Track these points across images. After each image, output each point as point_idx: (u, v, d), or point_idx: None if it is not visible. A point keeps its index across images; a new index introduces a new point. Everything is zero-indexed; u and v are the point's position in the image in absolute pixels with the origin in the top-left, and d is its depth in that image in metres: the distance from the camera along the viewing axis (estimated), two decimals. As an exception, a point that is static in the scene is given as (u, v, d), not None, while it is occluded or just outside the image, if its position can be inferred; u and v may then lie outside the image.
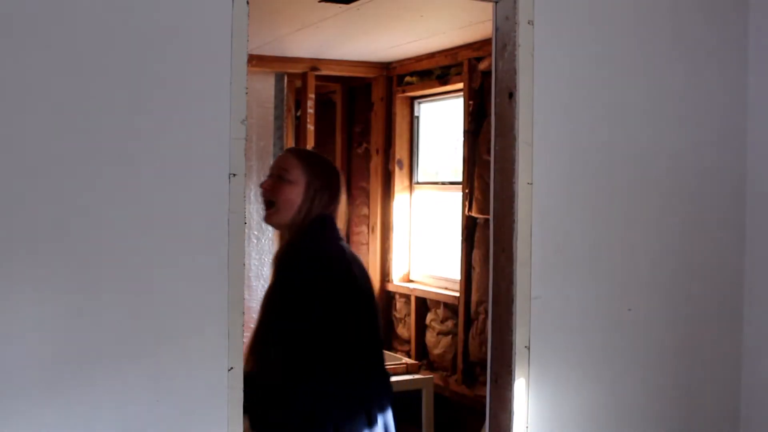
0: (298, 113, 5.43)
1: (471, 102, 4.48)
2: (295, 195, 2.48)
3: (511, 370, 2.60)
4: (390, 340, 5.35)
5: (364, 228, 5.53)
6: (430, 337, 5.00)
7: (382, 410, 2.52)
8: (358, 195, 5.63)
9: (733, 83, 2.99)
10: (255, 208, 4.99)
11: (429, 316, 5.03)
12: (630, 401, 2.84)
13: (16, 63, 2.00)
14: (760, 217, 2.98)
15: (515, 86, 2.58)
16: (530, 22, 2.59)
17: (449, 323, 4.83)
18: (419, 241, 5.27)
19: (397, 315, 5.30)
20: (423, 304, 5.06)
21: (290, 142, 5.25)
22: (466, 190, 4.51)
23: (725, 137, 2.99)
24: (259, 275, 4.99)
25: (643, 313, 2.84)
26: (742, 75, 3.00)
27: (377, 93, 5.29)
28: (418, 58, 4.91)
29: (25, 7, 2.00)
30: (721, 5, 2.97)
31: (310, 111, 5.12)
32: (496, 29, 2.68)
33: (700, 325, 2.96)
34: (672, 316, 2.90)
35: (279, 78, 5.09)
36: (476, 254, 4.51)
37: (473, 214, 4.48)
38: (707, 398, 2.99)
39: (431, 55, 4.79)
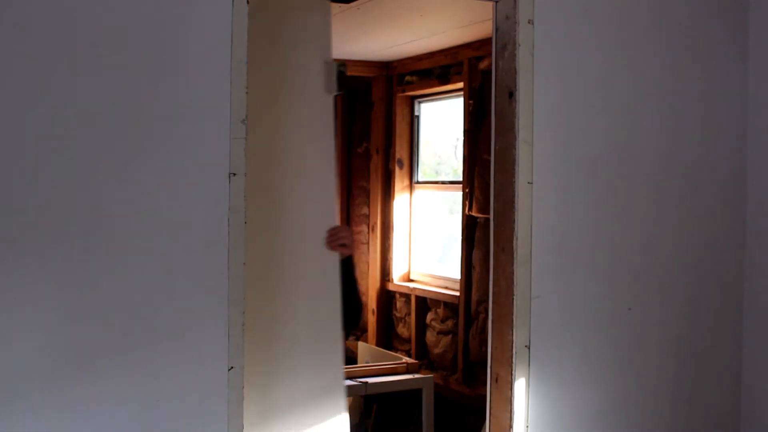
0: (298, 113, 5.42)
1: (471, 101, 4.48)
2: None
3: (511, 370, 2.60)
4: (390, 339, 5.35)
5: (364, 227, 5.53)
6: (430, 336, 5.01)
7: None
8: (358, 194, 5.63)
9: (733, 82, 2.99)
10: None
11: (429, 316, 5.03)
12: (630, 401, 2.84)
13: (17, 64, 2.00)
14: (760, 217, 2.98)
15: (515, 86, 2.58)
16: (530, 22, 2.59)
17: (449, 323, 4.83)
18: (419, 241, 5.27)
19: (398, 314, 5.30)
20: (423, 304, 5.06)
21: (290, 142, 5.24)
22: (466, 190, 4.51)
23: (725, 136, 2.99)
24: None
25: (643, 312, 2.84)
26: (742, 74, 3.00)
27: (377, 92, 5.29)
28: (418, 58, 4.91)
29: (25, 9, 2.00)
30: (720, 5, 2.97)
31: (310, 110, 5.11)
32: (496, 28, 2.68)
33: (700, 325, 2.96)
34: (672, 315, 2.90)
35: (279, 77, 5.08)
36: (476, 254, 4.51)
37: (473, 213, 4.48)
38: (707, 397, 2.99)
39: (431, 55, 4.79)
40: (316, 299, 2.63)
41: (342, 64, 2.77)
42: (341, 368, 2.64)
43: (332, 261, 2.63)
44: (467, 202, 4.52)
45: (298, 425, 2.54)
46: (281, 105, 2.65)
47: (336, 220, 2.73)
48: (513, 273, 2.60)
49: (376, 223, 5.32)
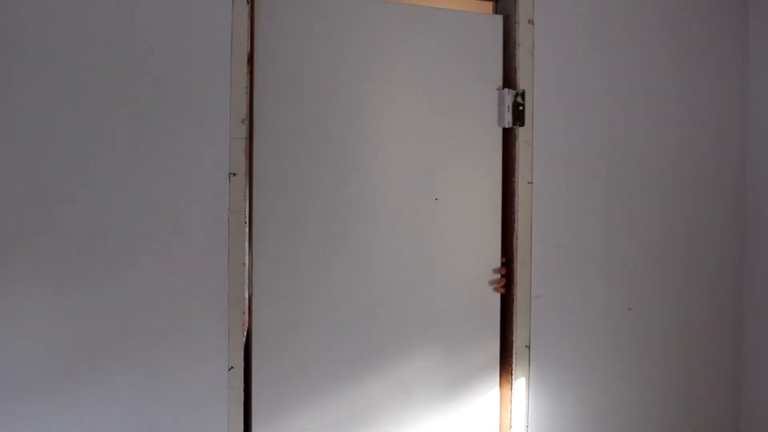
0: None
1: (472, 101, 4.47)
2: None
3: (511, 370, 2.60)
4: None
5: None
6: (430, 336, 5.00)
7: None
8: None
9: (733, 83, 2.99)
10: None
11: (430, 316, 5.02)
12: (630, 400, 2.84)
13: (18, 66, 2.00)
14: (761, 217, 2.97)
15: (515, 86, 2.58)
16: (530, 21, 2.59)
17: (450, 322, 4.83)
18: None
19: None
20: (424, 304, 5.05)
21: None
22: (467, 190, 4.50)
23: (725, 137, 2.98)
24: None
25: (643, 312, 2.84)
26: (742, 75, 3.00)
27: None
28: (419, 58, 4.90)
29: (25, 10, 2.01)
30: (720, 6, 2.97)
31: (311, 110, 5.11)
32: (497, 29, 2.67)
33: (700, 324, 2.96)
34: (672, 315, 2.90)
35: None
36: (477, 253, 4.50)
37: (474, 213, 4.47)
38: (707, 397, 2.99)
39: (432, 55, 4.78)
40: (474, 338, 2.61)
41: (519, 93, 2.52)
42: (497, 352, 2.62)
43: (494, 302, 2.60)
44: (468, 202, 4.51)
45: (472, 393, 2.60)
46: (443, 137, 2.51)
47: (498, 260, 2.61)
48: (513, 273, 2.60)
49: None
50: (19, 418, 2.03)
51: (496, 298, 2.60)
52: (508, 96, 2.56)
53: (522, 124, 2.58)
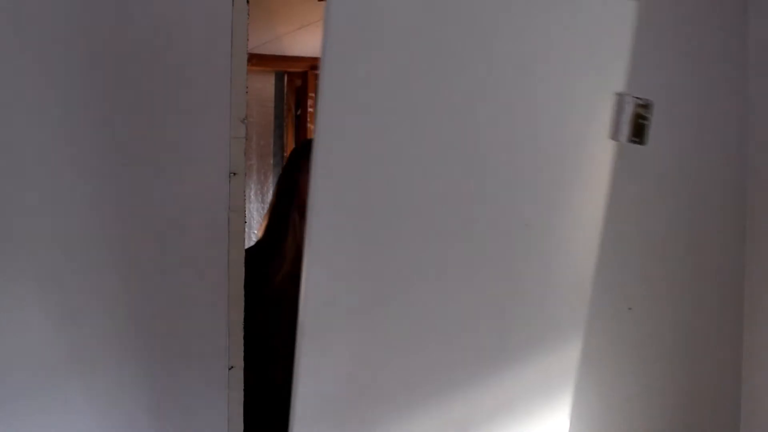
0: (299, 112, 5.43)
1: (471, 101, 4.46)
2: None
3: (511, 370, 2.59)
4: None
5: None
6: (430, 336, 4.99)
7: None
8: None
9: (733, 82, 2.99)
10: (255, 207, 4.99)
11: (429, 315, 5.01)
12: (630, 400, 2.84)
13: (13, 62, 2.00)
14: (761, 217, 2.97)
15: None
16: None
17: (449, 322, 4.81)
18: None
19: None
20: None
21: (290, 141, 5.25)
22: (467, 190, 4.49)
23: (725, 137, 2.98)
24: (259, 274, 4.98)
25: (643, 312, 2.83)
26: (742, 74, 3.00)
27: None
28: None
29: (22, 6, 2.00)
30: (720, 6, 2.96)
31: (311, 110, 5.12)
32: (497, 28, 2.64)
33: (701, 325, 2.96)
34: (672, 315, 2.90)
35: (279, 77, 5.09)
36: (476, 253, 4.50)
37: (473, 213, 4.47)
38: (708, 398, 2.98)
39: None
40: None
41: (644, 103, 1.93)
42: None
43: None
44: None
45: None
46: (539, 148, 1.96)
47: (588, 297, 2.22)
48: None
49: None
50: (18, 418, 2.03)
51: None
52: (630, 104, 1.99)
53: (642, 142, 1.99)
